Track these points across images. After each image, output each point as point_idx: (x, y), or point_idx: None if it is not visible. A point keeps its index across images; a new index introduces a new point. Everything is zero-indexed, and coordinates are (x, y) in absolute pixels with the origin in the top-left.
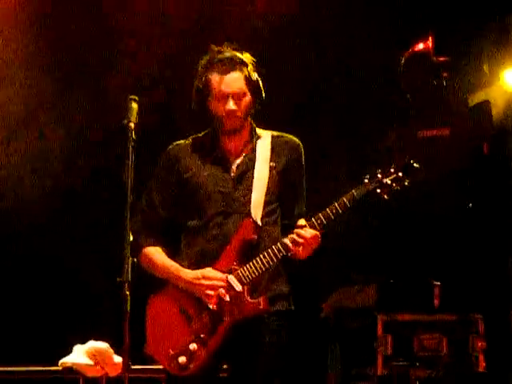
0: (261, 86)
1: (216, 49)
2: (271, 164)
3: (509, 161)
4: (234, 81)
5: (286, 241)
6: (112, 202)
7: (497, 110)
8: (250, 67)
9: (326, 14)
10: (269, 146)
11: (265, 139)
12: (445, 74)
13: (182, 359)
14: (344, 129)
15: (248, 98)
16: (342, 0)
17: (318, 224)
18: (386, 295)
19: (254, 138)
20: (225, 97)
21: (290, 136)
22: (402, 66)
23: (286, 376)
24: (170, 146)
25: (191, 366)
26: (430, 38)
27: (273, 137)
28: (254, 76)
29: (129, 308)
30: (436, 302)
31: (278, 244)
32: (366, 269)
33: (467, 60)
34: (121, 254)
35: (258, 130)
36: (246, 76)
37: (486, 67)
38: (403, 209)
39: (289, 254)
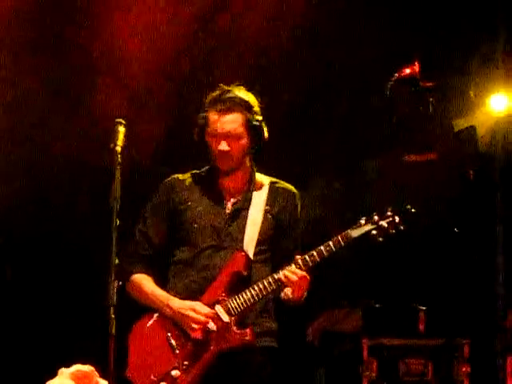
0: (263, 129)
1: (225, 88)
2: (266, 207)
3: (494, 186)
4: (230, 122)
5: (278, 275)
6: (97, 226)
7: (482, 135)
8: (255, 110)
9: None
10: (266, 191)
11: (262, 184)
12: (431, 99)
13: None
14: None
15: (244, 141)
16: (323, 29)
17: (304, 265)
18: (372, 319)
19: (252, 180)
20: (218, 136)
21: (288, 185)
22: (388, 90)
23: None
24: (169, 178)
25: None
26: (417, 63)
27: (271, 183)
28: (255, 120)
29: (114, 331)
30: (421, 326)
31: (269, 277)
32: (351, 293)
33: (453, 85)
34: (106, 278)
35: (258, 175)
36: (245, 119)
37: (472, 92)
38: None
39: (281, 295)
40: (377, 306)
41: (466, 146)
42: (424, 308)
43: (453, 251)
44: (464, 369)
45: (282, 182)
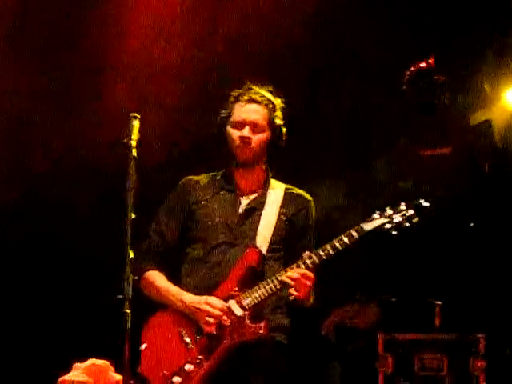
0: (283, 132)
1: (251, 85)
2: (281, 210)
3: (510, 180)
4: (255, 112)
5: (281, 277)
6: (112, 220)
7: (498, 130)
8: (278, 113)
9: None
10: (281, 195)
11: (278, 189)
12: (446, 94)
13: (177, 379)
14: (343, 144)
15: (265, 135)
16: (342, 20)
17: (313, 262)
18: (387, 314)
19: (267, 183)
20: (242, 124)
21: (302, 191)
22: (403, 84)
23: None
24: (184, 179)
25: None
26: (432, 57)
27: (286, 189)
28: (278, 120)
29: (129, 326)
30: (437, 321)
31: (282, 272)
32: (367, 288)
33: (468, 79)
34: (121, 272)
35: (273, 180)
36: (269, 115)
37: (487, 87)
38: (404, 228)
39: (290, 298)
40: (392, 300)
41: (481, 140)
42: (440, 303)
43: (468, 245)
44: (480, 364)
45: (296, 188)
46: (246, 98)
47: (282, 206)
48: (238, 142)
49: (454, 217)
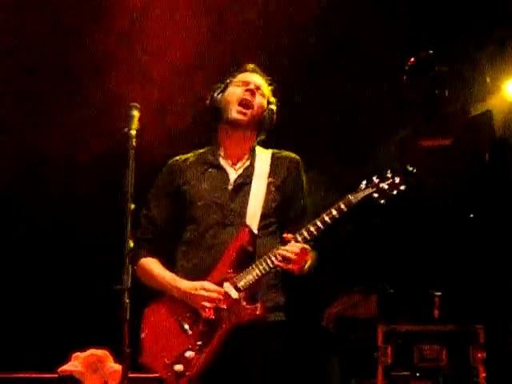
0: (274, 114)
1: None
2: (269, 180)
3: (510, 170)
4: (258, 78)
5: (274, 257)
6: (110, 210)
7: (498, 120)
8: (272, 97)
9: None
10: (268, 162)
11: (265, 156)
12: (447, 84)
13: (179, 367)
14: (344, 136)
15: (264, 104)
16: (346, 10)
17: (304, 238)
18: (387, 305)
19: (254, 150)
20: (247, 83)
21: (289, 153)
22: (404, 75)
23: None
24: (171, 160)
25: (188, 373)
26: (433, 48)
27: (273, 154)
28: (273, 102)
29: (128, 316)
30: (436, 312)
31: (274, 250)
32: (367, 279)
33: (469, 70)
34: (120, 262)
35: (260, 148)
36: (268, 94)
37: (488, 78)
38: (404, 219)
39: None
40: (392, 291)
41: (481, 130)
42: (439, 294)
43: (468, 237)
44: (479, 355)
45: (283, 151)
46: (249, 68)
47: (270, 175)
48: (241, 95)
49: (454, 207)
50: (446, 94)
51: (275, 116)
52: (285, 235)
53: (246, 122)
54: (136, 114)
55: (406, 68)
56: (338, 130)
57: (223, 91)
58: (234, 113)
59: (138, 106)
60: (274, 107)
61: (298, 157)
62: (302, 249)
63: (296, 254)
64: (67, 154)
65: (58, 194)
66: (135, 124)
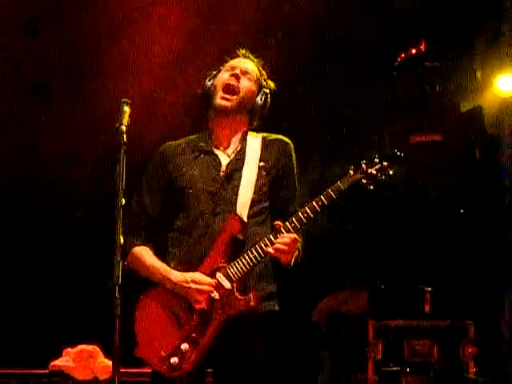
0: (268, 100)
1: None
2: (260, 164)
3: (500, 166)
4: (248, 64)
5: (264, 248)
6: (101, 205)
7: (489, 116)
8: (265, 81)
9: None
10: (259, 146)
11: (255, 140)
12: (437, 79)
13: (174, 360)
14: (336, 130)
15: (252, 89)
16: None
17: (294, 227)
18: (378, 301)
19: (245, 137)
20: (233, 68)
21: (280, 136)
22: (394, 70)
23: (275, 379)
24: (162, 147)
25: (184, 365)
26: (423, 43)
27: (263, 138)
28: (266, 87)
29: (119, 311)
30: (427, 307)
31: (265, 239)
32: (357, 275)
33: (460, 65)
34: (111, 258)
35: (250, 132)
36: (258, 77)
37: (479, 73)
38: (395, 214)
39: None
40: (382, 287)
41: (472, 126)
42: (430, 289)
43: (458, 232)
44: (470, 350)
45: (274, 134)
46: (240, 53)
47: (261, 159)
48: (226, 83)
49: (445, 203)
50: (437, 89)
51: (268, 100)
52: (275, 223)
53: (230, 108)
54: (127, 109)
55: (396, 63)
56: (331, 127)
57: (213, 78)
58: (218, 98)
59: (129, 101)
60: (266, 91)
61: (288, 139)
62: (294, 239)
63: (287, 245)
64: (64, 150)
65: (52, 190)
66: (126, 119)
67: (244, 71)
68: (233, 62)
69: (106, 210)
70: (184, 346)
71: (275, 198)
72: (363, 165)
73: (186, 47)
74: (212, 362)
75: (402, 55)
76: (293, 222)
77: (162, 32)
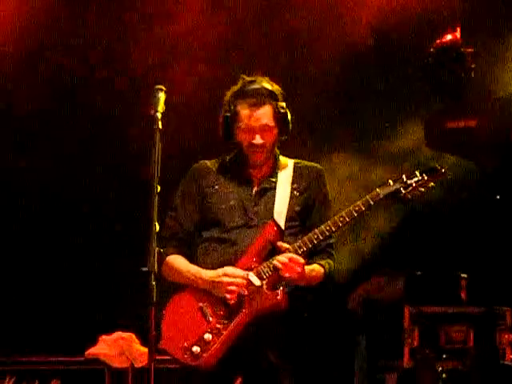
0: (288, 117)
1: (247, 79)
2: (293, 185)
3: None
4: (262, 116)
5: (273, 261)
6: (136, 195)
7: None
8: (279, 98)
9: None
10: (291, 171)
11: (287, 165)
12: (472, 66)
13: (196, 349)
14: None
15: (275, 131)
16: None
17: (300, 247)
18: (414, 287)
19: (277, 164)
20: (252, 130)
21: (312, 163)
22: (430, 56)
23: (310, 369)
24: (197, 164)
25: (204, 355)
26: (458, 29)
27: (295, 163)
28: (282, 109)
29: (155, 299)
30: (463, 294)
31: (296, 244)
32: (394, 261)
33: (494, 52)
34: (146, 245)
35: (281, 157)
36: (274, 109)
37: None
38: (431, 200)
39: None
40: (419, 273)
41: (507, 112)
42: (466, 276)
43: (495, 218)
44: (506, 337)
45: (304, 161)
46: (248, 101)
47: (293, 182)
48: (250, 147)
49: (481, 189)
50: (472, 75)
51: (289, 120)
52: (279, 244)
53: (264, 158)
54: (162, 96)
55: (432, 50)
56: (362, 111)
57: (232, 121)
58: (250, 154)
59: (164, 88)
60: (285, 110)
61: (319, 166)
62: (296, 260)
63: (283, 264)
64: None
65: (85, 176)
66: (161, 106)
67: (263, 127)
68: (248, 119)
69: (142, 197)
70: (207, 336)
71: (307, 221)
72: (403, 176)
73: None
74: (243, 364)
75: (437, 41)
76: (303, 243)
77: None
